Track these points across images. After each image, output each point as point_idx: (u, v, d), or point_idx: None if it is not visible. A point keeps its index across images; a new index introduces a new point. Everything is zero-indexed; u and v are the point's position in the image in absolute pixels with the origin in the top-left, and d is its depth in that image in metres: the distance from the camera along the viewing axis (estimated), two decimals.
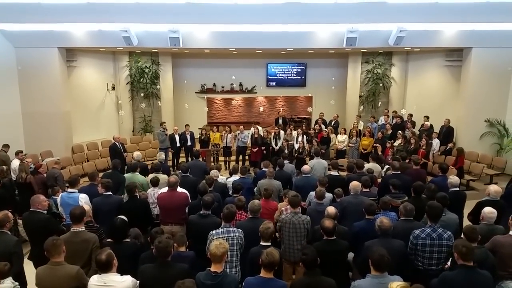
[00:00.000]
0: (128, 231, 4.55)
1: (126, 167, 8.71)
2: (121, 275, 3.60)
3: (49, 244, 3.76)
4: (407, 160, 8.70)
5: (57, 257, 3.74)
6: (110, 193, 5.99)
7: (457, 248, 3.63)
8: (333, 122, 13.58)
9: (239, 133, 12.44)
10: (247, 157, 12.74)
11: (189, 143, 12.35)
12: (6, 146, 9.77)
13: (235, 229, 4.56)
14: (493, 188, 5.81)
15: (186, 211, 6.06)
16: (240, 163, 12.17)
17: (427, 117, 12.30)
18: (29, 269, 4.84)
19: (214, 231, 4.53)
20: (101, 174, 7.65)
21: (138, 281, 3.65)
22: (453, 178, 6.41)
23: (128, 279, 3.56)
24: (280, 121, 13.98)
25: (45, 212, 5.26)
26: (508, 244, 4.30)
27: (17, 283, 3.96)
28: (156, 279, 3.64)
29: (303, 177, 7.43)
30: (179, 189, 6.28)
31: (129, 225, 4.70)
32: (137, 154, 9.31)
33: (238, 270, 4.45)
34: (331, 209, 5.05)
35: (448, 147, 11.58)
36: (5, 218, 4.57)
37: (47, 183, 8.19)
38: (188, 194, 6.25)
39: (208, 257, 3.70)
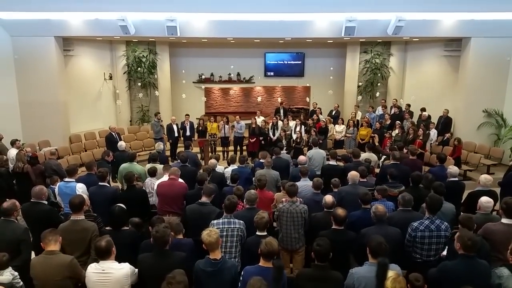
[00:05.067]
0: (127, 219, 4.56)
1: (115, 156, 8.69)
2: (119, 262, 3.62)
3: (45, 233, 3.80)
4: (405, 151, 8.72)
5: (52, 246, 3.76)
6: (104, 183, 6.00)
7: (462, 240, 3.61)
8: (333, 112, 13.59)
9: (235, 124, 12.42)
10: (244, 147, 12.75)
11: (187, 133, 12.32)
12: None
13: (236, 220, 4.55)
14: (483, 177, 5.85)
15: (184, 202, 6.08)
16: (238, 153, 12.16)
17: (423, 109, 12.31)
18: None
19: (215, 221, 4.54)
20: None
21: (136, 269, 3.68)
22: (452, 168, 6.42)
23: (126, 267, 3.59)
24: (282, 112, 13.94)
25: (46, 202, 5.27)
26: (499, 232, 4.32)
27: (16, 273, 3.94)
28: (155, 267, 3.66)
29: (298, 168, 7.43)
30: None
31: (128, 214, 4.69)
32: (120, 143, 9.30)
33: (238, 261, 4.46)
34: (328, 198, 5.06)
35: (445, 137, 11.60)
36: (13, 207, 4.58)
37: (45, 173, 8.19)
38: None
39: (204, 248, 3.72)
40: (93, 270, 3.55)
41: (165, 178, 6.43)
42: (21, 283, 3.98)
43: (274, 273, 3.38)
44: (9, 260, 3.91)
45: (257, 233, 4.26)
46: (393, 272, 3.28)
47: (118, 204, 4.60)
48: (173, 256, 3.73)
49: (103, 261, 3.55)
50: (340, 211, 4.44)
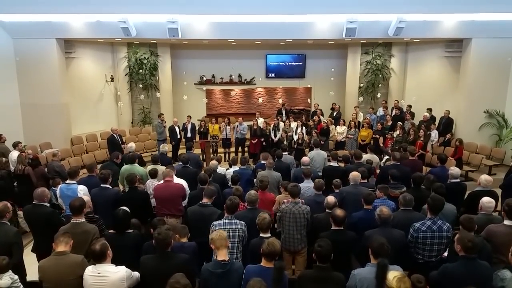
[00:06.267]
0: (130, 222, 4.55)
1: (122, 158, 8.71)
2: (118, 265, 3.62)
3: (59, 233, 3.83)
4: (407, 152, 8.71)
5: (62, 247, 3.76)
6: (107, 185, 6.00)
7: (462, 242, 3.61)
8: (334, 113, 13.59)
9: (238, 125, 12.43)
10: (246, 149, 12.75)
11: (189, 134, 12.33)
12: None
13: (237, 221, 4.56)
14: (484, 178, 5.83)
15: (183, 203, 6.08)
16: (240, 154, 12.16)
17: (430, 110, 12.31)
18: (30, 261, 4.86)
19: (216, 222, 4.54)
20: (99, 166, 7.73)
21: (133, 272, 3.67)
22: (454, 170, 6.40)
23: (122, 270, 3.59)
24: (284, 113, 13.93)
25: (48, 204, 5.27)
26: (501, 234, 4.32)
27: (16, 277, 3.91)
28: (157, 269, 3.67)
29: (300, 169, 7.43)
30: (178, 180, 6.31)
31: (131, 217, 4.68)
32: (130, 145, 9.30)
33: (239, 262, 4.46)
34: (330, 199, 5.06)
35: (446, 138, 11.59)
36: (5, 209, 4.56)
37: (48, 175, 8.20)
38: (185, 186, 6.28)
39: (209, 248, 3.72)
40: (90, 273, 3.56)
41: None
42: (21, 286, 3.95)
43: (274, 274, 3.39)
44: (9, 263, 3.88)
45: (261, 234, 4.26)
46: (399, 272, 3.28)
47: (122, 208, 4.57)
48: (176, 258, 3.73)
49: (99, 264, 3.57)
50: (339, 212, 4.44)
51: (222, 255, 3.64)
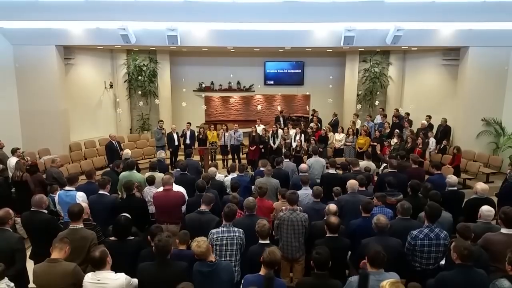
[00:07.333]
0: (131, 229, 4.54)
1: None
2: (118, 272, 3.62)
3: (56, 239, 3.84)
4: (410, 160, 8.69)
5: (56, 253, 3.76)
6: (104, 192, 5.99)
7: (458, 250, 3.63)
8: (332, 121, 13.62)
9: (234, 132, 12.44)
10: (244, 156, 12.74)
11: (188, 141, 12.33)
12: None
13: (235, 228, 4.56)
14: (479, 186, 5.86)
15: (183, 210, 6.07)
16: (236, 161, 12.15)
17: (429, 117, 12.35)
18: (30, 268, 4.82)
19: (214, 230, 4.55)
20: (98, 172, 7.72)
21: (132, 279, 3.67)
22: (451, 178, 6.43)
23: (122, 277, 3.58)
24: (281, 120, 13.95)
25: (46, 211, 5.26)
26: (498, 242, 4.33)
27: (12, 285, 3.88)
28: (155, 277, 3.67)
29: (299, 176, 7.44)
30: (176, 188, 6.31)
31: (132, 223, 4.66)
32: (126, 152, 9.28)
33: (237, 270, 4.47)
34: (332, 207, 5.06)
35: (442, 145, 11.61)
36: (7, 215, 4.55)
37: (46, 181, 8.18)
38: (185, 193, 6.28)
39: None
40: (89, 280, 3.56)
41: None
42: None
43: (265, 283, 3.42)
44: (4, 270, 3.85)
45: (260, 241, 4.26)
46: (394, 279, 3.28)
47: (123, 214, 4.57)
48: (174, 265, 3.74)
49: (98, 271, 3.56)
50: (333, 219, 4.46)
51: (210, 259, 3.77)
